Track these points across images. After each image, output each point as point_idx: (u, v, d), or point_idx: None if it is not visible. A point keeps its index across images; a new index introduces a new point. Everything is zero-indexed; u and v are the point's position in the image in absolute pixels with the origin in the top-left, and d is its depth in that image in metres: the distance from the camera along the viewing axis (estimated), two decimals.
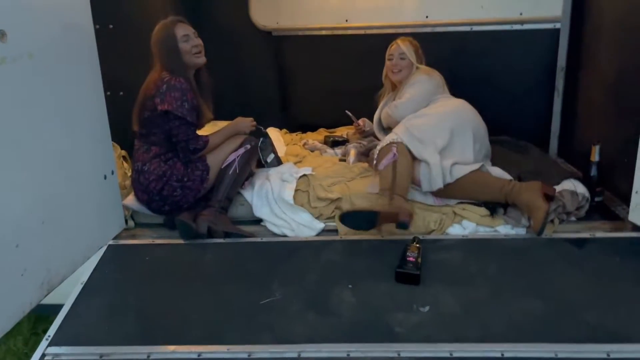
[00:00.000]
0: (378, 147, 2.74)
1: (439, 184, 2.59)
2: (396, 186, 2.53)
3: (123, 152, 3.04)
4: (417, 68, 3.11)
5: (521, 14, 3.41)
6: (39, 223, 1.95)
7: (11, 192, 1.82)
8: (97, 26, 2.37)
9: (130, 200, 2.77)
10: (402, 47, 3.14)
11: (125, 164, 3.02)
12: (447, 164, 2.62)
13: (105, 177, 2.42)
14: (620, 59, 2.79)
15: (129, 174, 2.91)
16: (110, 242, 2.48)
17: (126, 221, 2.68)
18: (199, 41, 2.69)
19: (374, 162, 2.74)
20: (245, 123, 2.86)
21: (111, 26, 3.35)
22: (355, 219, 2.46)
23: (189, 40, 2.65)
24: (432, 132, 2.71)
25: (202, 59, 2.70)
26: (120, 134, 2.77)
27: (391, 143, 2.67)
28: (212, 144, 2.70)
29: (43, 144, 1.98)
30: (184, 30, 2.66)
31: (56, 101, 2.06)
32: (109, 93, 2.50)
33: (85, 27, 2.28)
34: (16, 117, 1.84)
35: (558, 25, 3.28)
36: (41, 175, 1.97)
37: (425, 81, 2.99)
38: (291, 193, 2.75)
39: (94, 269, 2.31)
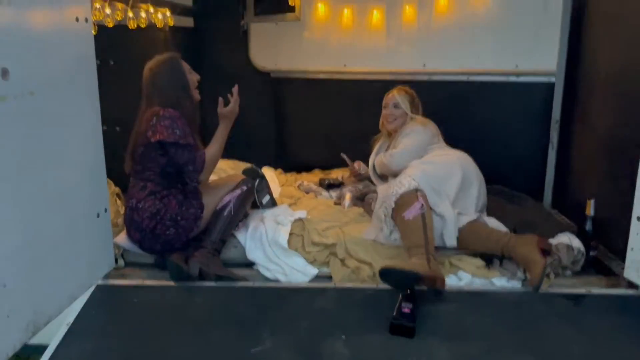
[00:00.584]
0: (395, 192, 2.63)
1: (452, 242, 2.57)
2: (429, 244, 2.44)
3: (117, 189, 3.01)
4: (412, 118, 3.14)
5: (517, 66, 3.48)
6: (27, 262, 1.90)
7: (0, 230, 1.77)
8: (98, 62, 2.38)
9: (122, 238, 2.72)
10: (397, 97, 3.19)
11: (118, 201, 2.98)
12: (456, 216, 2.61)
13: (98, 215, 2.38)
14: (613, 116, 2.84)
15: (122, 211, 2.87)
16: (99, 282, 2.42)
17: (116, 260, 2.63)
18: (198, 75, 2.76)
19: (382, 207, 2.69)
20: (230, 107, 2.75)
21: (112, 62, 3.38)
22: (396, 277, 2.32)
23: (192, 73, 2.72)
24: (444, 181, 2.71)
25: (198, 95, 2.75)
26: (115, 170, 2.74)
27: (416, 190, 2.59)
28: (212, 153, 2.65)
29: (37, 181, 1.95)
30: (186, 65, 2.73)
31: (54, 138, 2.04)
32: (105, 127, 2.48)
33: (88, 64, 2.29)
34: (12, 153, 1.81)
35: (553, 79, 3.35)
36: (33, 212, 1.93)
37: (420, 132, 3.02)
38: (285, 237, 2.72)
39: (81, 310, 2.24)
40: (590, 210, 2.72)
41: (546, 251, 2.47)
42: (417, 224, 2.48)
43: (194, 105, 2.73)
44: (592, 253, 2.70)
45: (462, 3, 3.60)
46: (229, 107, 2.75)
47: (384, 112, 3.27)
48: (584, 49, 3.20)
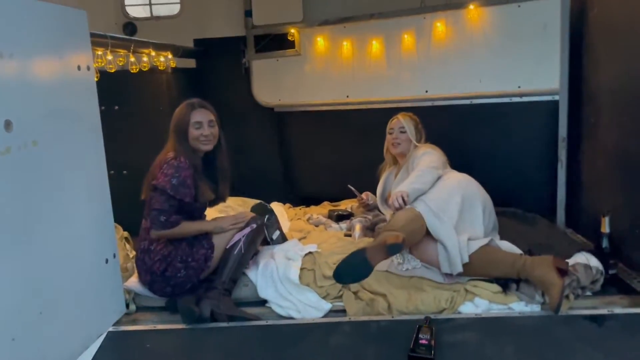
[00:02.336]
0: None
1: (458, 269, 2.52)
2: (400, 228, 2.46)
3: (125, 234, 3.00)
4: (416, 146, 3.13)
5: (519, 87, 3.48)
6: (36, 314, 1.88)
7: (8, 282, 1.76)
8: (103, 107, 2.41)
9: (133, 282, 2.70)
10: (402, 121, 3.21)
11: (127, 245, 2.97)
12: (463, 241, 2.55)
13: (106, 261, 2.36)
14: (621, 130, 2.81)
15: (131, 255, 2.85)
16: (110, 329, 2.39)
17: (127, 305, 2.60)
18: (211, 131, 2.69)
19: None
20: (228, 221, 2.75)
21: (116, 107, 3.43)
22: (347, 270, 2.33)
23: (200, 128, 2.66)
24: (444, 204, 2.67)
25: (208, 147, 2.70)
26: (123, 214, 2.74)
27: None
28: (185, 228, 2.60)
29: (43, 231, 1.94)
30: (200, 117, 2.67)
31: (58, 186, 2.04)
32: (112, 172, 2.49)
33: (91, 111, 2.31)
34: (17, 204, 1.81)
35: (557, 97, 3.33)
36: (40, 263, 1.92)
37: (433, 152, 3.01)
38: (297, 272, 2.68)
39: (93, 359, 2.20)
40: (605, 227, 2.66)
41: (563, 271, 2.41)
42: (399, 217, 2.54)
43: (197, 155, 2.68)
44: (611, 271, 2.63)
45: (459, 28, 3.62)
46: (227, 221, 2.73)
47: (388, 137, 3.27)
48: (585, 65, 3.20)
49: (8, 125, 1.74)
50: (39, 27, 1.96)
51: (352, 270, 2.36)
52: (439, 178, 2.84)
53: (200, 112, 2.69)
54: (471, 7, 3.54)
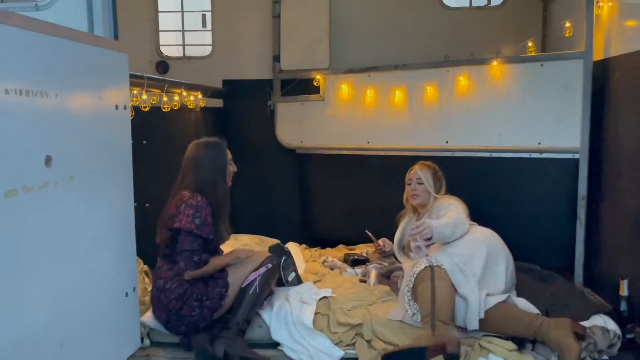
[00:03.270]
0: (414, 271, 2.62)
1: (474, 325, 2.52)
2: (437, 311, 2.41)
3: (145, 267, 3.05)
4: (436, 198, 3.16)
5: (539, 143, 3.51)
6: (57, 345, 1.91)
7: (34, 310, 1.80)
8: (132, 141, 2.50)
9: (148, 317, 2.73)
10: (419, 172, 3.26)
11: (146, 279, 3.02)
12: (482, 297, 2.56)
13: (126, 295, 2.41)
14: None
15: (149, 289, 2.89)
16: None
17: (142, 339, 2.62)
18: (235, 167, 2.87)
19: (406, 287, 2.64)
20: (245, 254, 2.83)
21: (144, 142, 3.53)
22: (400, 359, 2.28)
23: (232, 164, 2.84)
24: (469, 260, 2.69)
25: (230, 182, 2.85)
26: (144, 247, 2.80)
27: (431, 267, 2.56)
28: (213, 263, 2.68)
29: (70, 263, 2.00)
30: (229, 154, 2.84)
31: (89, 219, 2.11)
32: (135, 204, 2.56)
33: (125, 149, 2.41)
34: (46, 235, 1.87)
35: (577, 156, 3.36)
36: (65, 293, 1.97)
37: (458, 204, 3.03)
38: (311, 316, 2.69)
39: None
40: (624, 290, 2.64)
41: (581, 336, 2.39)
42: (427, 297, 2.47)
43: (226, 191, 2.80)
44: (628, 335, 2.59)
45: (482, 83, 3.70)
46: (245, 255, 2.81)
47: (407, 188, 3.31)
48: (607, 125, 3.24)
49: (48, 160, 1.83)
50: (83, 69, 2.07)
51: None
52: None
53: (227, 150, 2.83)
54: (494, 63, 3.63)
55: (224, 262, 2.73)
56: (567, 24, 3.52)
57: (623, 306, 2.64)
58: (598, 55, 3.32)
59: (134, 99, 2.98)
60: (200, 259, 2.61)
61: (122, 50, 2.37)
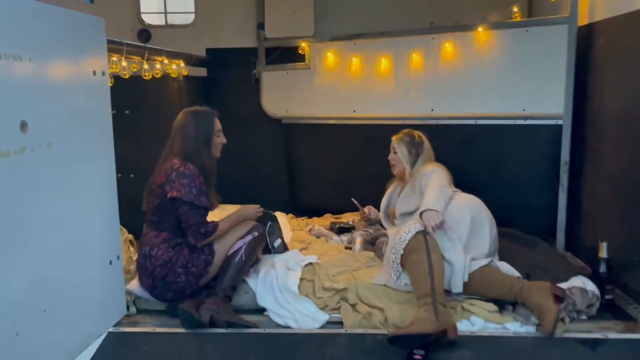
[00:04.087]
0: (403, 238, 2.60)
1: (458, 288, 2.56)
2: (437, 293, 2.41)
3: (130, 236, 3.05)
4: (410, 169, 3.19)
5: (524, 110, 3.52)
6: (40, 311, 1.92)
7: (16, 278, 1.80)
8: (114, 111, 2.47)
9: (134, 285, 2.74)
10: (394, 143, 3.29)
11: (131, 248, 3.02)
12: (467, 262, 2.59)
13: (110, 263, 2.41)
14: (623, 156, 2.84)
15: (135, 258, 2.90)
16: (110, 330, 2.43)
17: (128, 307, 2.64)
18: (225, 139, 2.85)
19: (392, 252, 2.66)
20: (252, 210, 2.89)
21: (127, 112, 3.49)
22: (405, 341, 2.28)
23: (220, 136, 2.81)
24: (455, 225, 2.71)
25: (219, 155, 2.84)
26: (128, 216, 2.79)
27: (424, 234, 2.57)
28: (222, 228, 2.71)
29: (51, 229, 1.99)
30: (218, 125, 2.82)
31: (69, 186, 2.10)
32: (119, 175, 2.55)
33: (104, 115, 2.37)
34: (27, 203, 1.86)
35: (560, 122, 3.37)
36: (47, 261, 1.97)
37: (440, 171, 3.03)
38: (296, 282, 2.72)
39: (92, 358, 2.24)
40: (603, 252, 2.69)
41: (560, 298, 2.44)
42: (424, 272, 2.46)
43: (213, 162, 2.79)
44: (607, 296, 2.66)
45: (467, 50, 3.68)
46: (252, 210, 2.87)
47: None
48: (590, 91, 3.25)
49: (24, 126, 1.80)
50: (57, 33, 2.02)
51: (409, 344, 2.28)
52: (450, 199, 2.87)
53: (217, 121, 2.83)
54: (480, 29, 3.60)
55: (232, 223, 2.76)
56: None
57: (602, 268, 2.69)
58: (583, 20, 3.31)
59: (114, 66, 2.93)
60: (207, 229, 2.63)
61: (99, 15, 2.32)
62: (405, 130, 3.34)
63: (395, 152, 3.27)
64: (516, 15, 3.64)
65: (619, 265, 2.71)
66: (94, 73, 2.26)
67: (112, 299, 2.47)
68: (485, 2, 4.16)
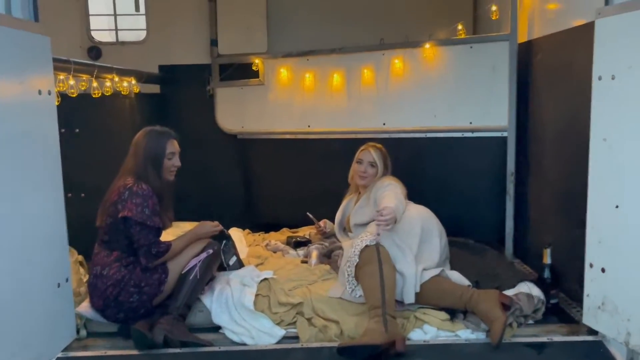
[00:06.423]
0: (355, 250, 2.64)
1: (410, 298, 2.61)
2: (387, 305, 2.45)
3: (80, 257, 2.98)
4: (380, 179, 3.20)
5: (471, 123, 3.65)
6: None
7: None
8: (63, 130, 2.42)
9: (85, 307, 2.68)
10: (374, 155, 3.22)
11: (81, 269, 2.95)
12: (419, 272, 2.65)
13: (58, 285, 2.34)
14: (561, 167, 2.99)
15: (85, 279, 2.83)
16: (59, 355, 2.36)
17: (78, 330, 2.57)
18: (179, 163, 2.78)
19: (346, 265, 2.69)
20: (208, 227, 2.86)
21: (77, 130, 3.43)
22: (355, 353, 2.31)
23: (172, 159, 2.75)
24: (406, 236, 2.77)
25: (173, 178, 2.79)
26: (79, 237, 2.74)
27: (376, 246, 2.60)
28: (175, 248, 2.68)
29: None
30: (173, 147, 2.76)
31: (13, 206, 2.04)
32: (70, 194, 2.50)
33: (50, 134, 2.32)
34: None
35: (505, 134, 3.51)
36: None
37: (397, 185, 3.08)
38: (251, 298, 2.72)
39: None
40: (547, 258, 2.80)
41: (507, 306, 2.53)
42: (375, 284, 2.50)
43: (163, 184, 2.73)
44: (552, 301, 2.76)
45: (416, 65, 3.80)
46: (209, 227, 2.84)
47: (356, 166, 3.28)
48: (532, 104, 3.41)
49: None
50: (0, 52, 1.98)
51: (357, 355, 2.32)
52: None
53: (174, 143, 2.77)
54: (427, 45, 3.73)
55: (186, 243, 2.73)
56: (494, 8, 3.66)
57: (546, 273, 2.80)
58: (523, 37, 3.47)
59: (61, 85, 2.88)
60: (158, 250, 2.60)
61: (46, 34, 2.28)
62: (378, 145, 3.31)
63: (372, 166, 3.22)
64: (461, 32, 3.78)
65: (562, 270, 2.83)
66: (40, 92, 2.22)
67: (61, 323, 2.40)
68: (432, 19, 4.31)
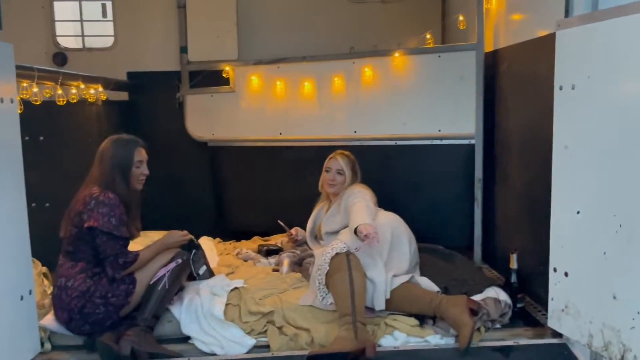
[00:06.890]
0: (325, 257, 2.65)
1: (381, 305, 2.63)
2: (357, 312, 2.46)
3: (44, 269, 2.90)
4: (350, 187, 3.21)
5: (440, 130, 3.72)
6: None
7: None
8: (27, 137, 2.37)
9: (49, 320, 2.61)
10: (341, 163, 3.24)
11: (45, 281, 2.87)
12: (389, 279, 2.66)
13: (21, 298, 2.28)
14: (526, 174, 3.06)
15: (49, 291, 2.76)
16: None
17: (42, 344, 2.50)
18: (147, 171, 2.74)
19: (317, 272, 2.68)
20: (177, 236, 2.82)
21: (41, 138, 3.35)
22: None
23: (140, 167, 2.70)
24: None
25: (141, 187, 2.75)
26: (43, 248, 2.67)
27: (347, 254, 2.61)
28: (143, 258, 2.64)
29: None
30: (140, 156, 2.71)
31: None
32: (34, 204, 2.44)
33: (12, 142, 2.27)
34: None
35: (473, 141, 3.58)
36: None
37: (367, 192, 3.09)
38: (221, 308, 2.69)
39: None
40: (513, 263, 2.86)
41: (475, 311, 2.57)
42: (345, 291, 2.51)
43: (130, 193, 2.69)
44: (519, 305, 2.82)
45: (385, 73, 3.85)
46: (178, 237, 2.79)
47: (325, 175, 3.30)
48: (498, 113, 3.49)
49: None
50: None
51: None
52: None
53: (142, 151, 2.73)
54: (396, 54, 3.78)
55: (154, 252, 2.69)
56: (461, 18, 3.74)
57: (513, 278, 2.86)
58: (489, 47, 3.56)
59: (24, 92, 2.81)
60: (126, 260, 2.56)
61: (9, 40, 2.24)
62: (345, 152, 3.32)
63: (340, 173, 3.23)
64: (429, 41, 3.85)
65: (528, 275, 2.89)
66: (2, 100, 2.17)
67: (25, 336, 2.34)
68: (401, 28, 4.37)
